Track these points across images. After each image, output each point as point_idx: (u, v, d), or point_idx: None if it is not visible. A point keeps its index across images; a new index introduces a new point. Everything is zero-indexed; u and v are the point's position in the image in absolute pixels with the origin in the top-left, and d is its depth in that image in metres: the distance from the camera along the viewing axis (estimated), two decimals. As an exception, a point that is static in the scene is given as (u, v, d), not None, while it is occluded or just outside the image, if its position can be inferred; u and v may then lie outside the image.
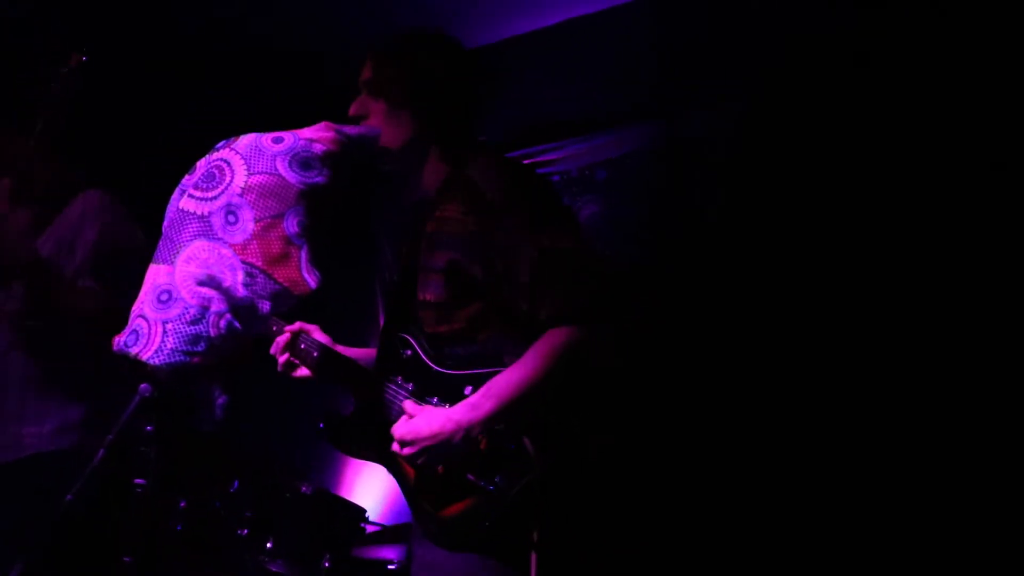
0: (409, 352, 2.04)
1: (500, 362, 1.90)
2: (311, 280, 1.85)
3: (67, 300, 2.50)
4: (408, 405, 1.94)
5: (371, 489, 4.04)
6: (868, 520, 3.08)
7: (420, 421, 1.88)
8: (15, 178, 2.60)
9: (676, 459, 3.38)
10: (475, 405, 1.84)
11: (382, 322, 2.19)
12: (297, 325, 2.24)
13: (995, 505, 2.89)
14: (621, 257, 3.91)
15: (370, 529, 3.51)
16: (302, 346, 2.21)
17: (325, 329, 2.29)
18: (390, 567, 3.30)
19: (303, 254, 1.85)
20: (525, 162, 4.25)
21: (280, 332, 2.24)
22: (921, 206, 3.21)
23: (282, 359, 2.23)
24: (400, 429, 1.90)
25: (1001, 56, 3.16)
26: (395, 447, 1.90)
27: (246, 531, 3.18)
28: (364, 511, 3.44)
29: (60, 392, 2.56)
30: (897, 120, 3.32)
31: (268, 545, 3.15)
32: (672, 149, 3.88)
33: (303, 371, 2.24)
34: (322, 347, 2.20)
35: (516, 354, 1.87)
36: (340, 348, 2.26)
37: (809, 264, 3.39)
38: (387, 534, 3.52)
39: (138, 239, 2.65)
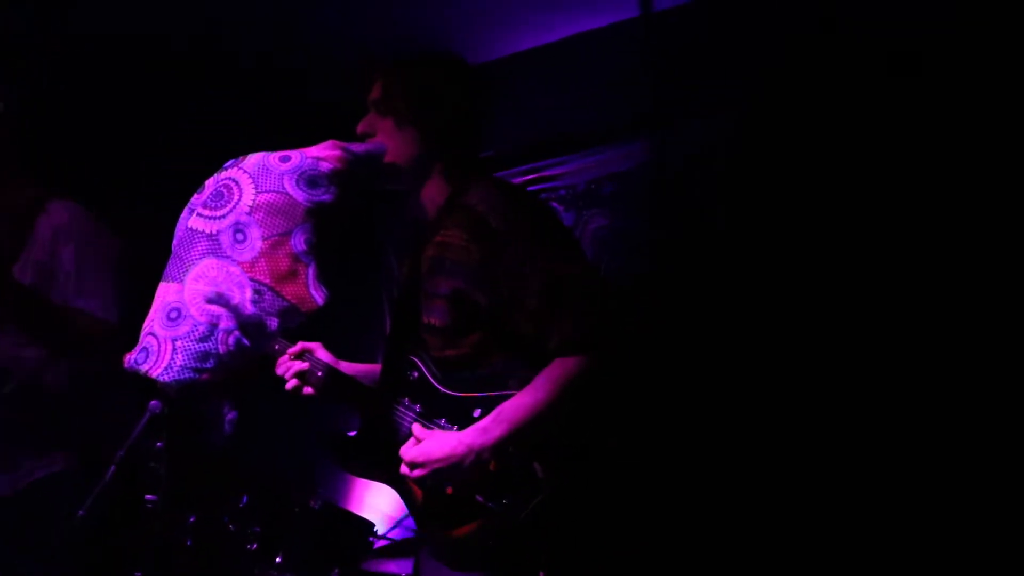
0: (416, 374, 2.05)
1: (507, 386, 1.92)
2: (318, 297, 1.87)
3: (61, 325, 2.46)
4: (416, 428, 1.96)
5: (380, 503, 4.05)
6: (880, 528, 3.07)
7: (431, 444, 1.90)
8: None
9: (685, 477, 3.37)
10: (486, 429, 1.86)
11: (387, 340, 2.20)
12: (299, 346, 2.25)
13: (995, 505, 2.89)
14: (628, 271, 3.92)
15: (379, 543, 3.51)
16: (306, 366, 2.22)
17: (333, 344, 2.30)
18: (399, 581, 3.30)
19: (310, 271, 1.87)
20: (531, 176, 4.28)
21: (283, 352, 2.25)
22: (924, 210, 3.22)
23: (291, 383, 2.23)
24: (410, 452, 1.92)
25: (1007, 59, 3.17)
26: (404, 469, 1.92)
27: (255, 546, 3.19)
28: (373, 525, 3.44)
29: (59, 425, 2.52)
30: (898, 123, 3.33)
31: (277, 560, 3.16)
32: (677, 160, 3.89)
33: (309, 390, 2.24)
34: (326, 367, 2.21)
35: (522, 378, 1.90)
36: (343, 365, 2.27)
37: (818, 271, 3.39)
38: (396, 548, 3.52)
39: (114, 248, 2.61)
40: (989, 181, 3.13)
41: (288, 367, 2.24)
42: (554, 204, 4.16)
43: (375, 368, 2.29)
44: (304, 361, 2.23)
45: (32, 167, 2.68)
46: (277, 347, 2.26)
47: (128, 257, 2.61)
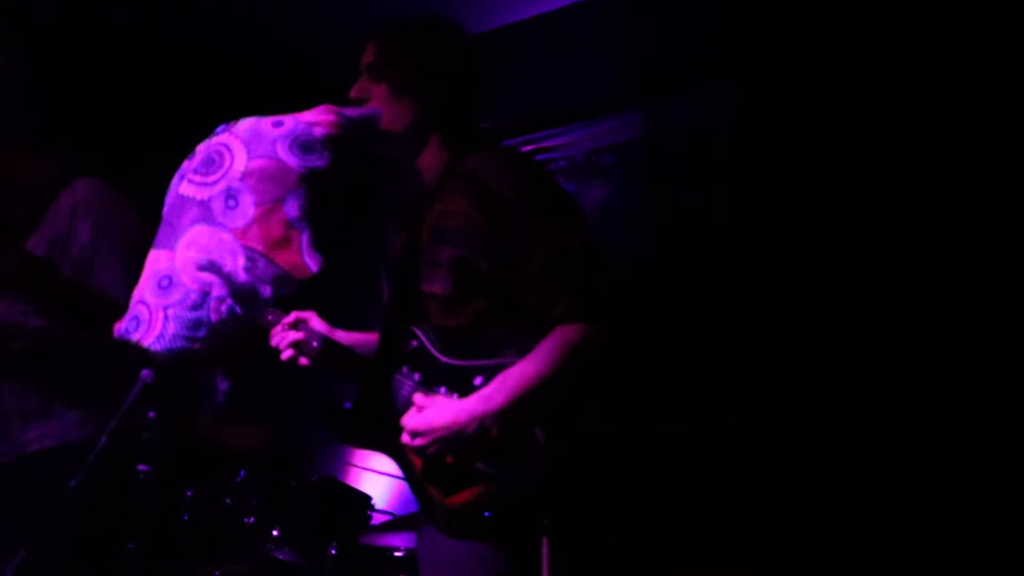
0: (415, 343, 2.03)
1: (508, 354, 1.90)
2: (312, 264, 1.83)
3: (68, 299, 2.41)
4: (417, 397, 1.94)
5: (377, 476, 4.04)
6: (878, 526, 3.07)
7: (432, 412, 1.88)
8: None
9: (683, 448, 3.37)
10: (488, 396, 1.85)
11: (384, 309, 2.17)
12: (293, 315, 2.22)
13: (995, 505, 2.88)
14: (627, 242, 3.90)
15: (376, 516, 3.51)
16: (302, 336, 2.19)
17: (328, 312, 2.28)
18: (397, 554, 3.29)
19: (304, 238, 1.84)
20: (531, 147, 4.24)
21: (277, 322, 2.21)
22: (925, 194, 3.19)
23: (286, 353, 2.20)
24: (411, 420, 1.90)
25: (997, 38, 3.13)
26: (405, 438, 1.90)
27: (253, 519, 3.18)
28: (370, 498, 3.44)
29: (63, 396, 2.50)
30: (907, 103, 3.30)
31: (275, 533, 3.15)
32: (678, 133, 3.86)
33: (304, 361, 2.21)
34: (322, 338, 2.19)
35: (523, 347, 1.88)
36: (339, 333, 2.25)
37: (816, 251, 3.37)
38: (394, 521, 3.52)
39: (132, 225, 2.58)
40: (990, 161, 3.10)
41: (283, 338, 2.21)
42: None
43: (371, 337, 2.27)
44: (299, 331, 2.20)
45: (59, 143, 2.66)
46: (271, 318, 2.23)
47: (146, 238, 2.58)
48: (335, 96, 2.11)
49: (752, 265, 3.49)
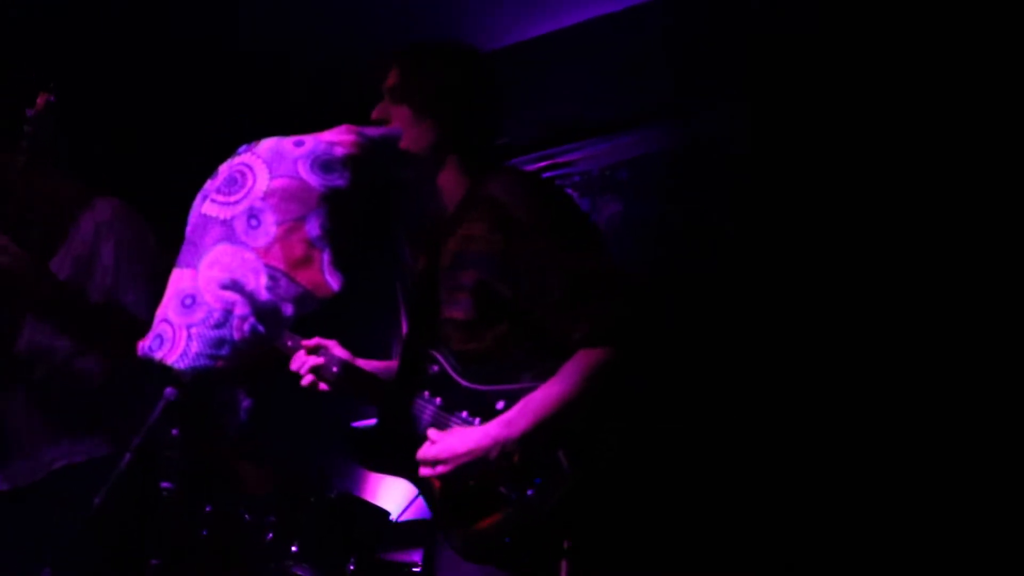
0: (436, 368, 2.03)
1: (529, 378, 1.90)
2: (333, 283, 1.84)
3: (94, 320, 2.44)
4: (431, 432, 1.94)
5: (395, 492, 4.05)
6: (884, 528, 3.05)
7: (454, 439, 1.88)
8: (12, 208, 2.48)
9: (707, 468, 3.36)
10: (511, 421, 1.84)
11: (404, 333, 2.18)
12: (315, 341, 2.22)
13: (995, 506, 2.86)
14: (643, 258, 3.90)
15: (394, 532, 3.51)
16: (322, 361, 2.19)
17: (348, 334, 2.28)
18: (415, 569, 3.30)
19: (325, 257, 1.85)
20: (546, 162, 4.26)
21: (297, 348, 2.21)
22: (926, 197, 3.19)
23: (307, 378, 2.20)
24: (430, 451, 1.90)
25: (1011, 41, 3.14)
26: (425, 471, 1.90)
27: (271, 535, 3.19)
28: (388, 513, 3.44)
29: (90, 415, 2.50)
30: (916, 115, 3.29)
31: (293, 549, 3.16)
32: (693, 148, 3.87)
33: (324, 386, 2.20)
34: (342, 362, 2.18)
35: (543, 371, 1.88)
36: (360, 362, 2.24)
37: (829, 263, 3.37)
38: (412, 536, 3.52)
39: (152, 243, 2.60)
40: (992, 156, 3.10)
41: (303, 362, 2.21)
42: (569, 191, 4.14)
43: (391, 365, 2.27)
44: (319, 356, 2.20)
45: (78, 163, 2.68)
46: (290, 343, 2.22)
47: (166, 256, 2.60)
48: (335, 98, 2.12)
49: (756, 268, 3.50)
